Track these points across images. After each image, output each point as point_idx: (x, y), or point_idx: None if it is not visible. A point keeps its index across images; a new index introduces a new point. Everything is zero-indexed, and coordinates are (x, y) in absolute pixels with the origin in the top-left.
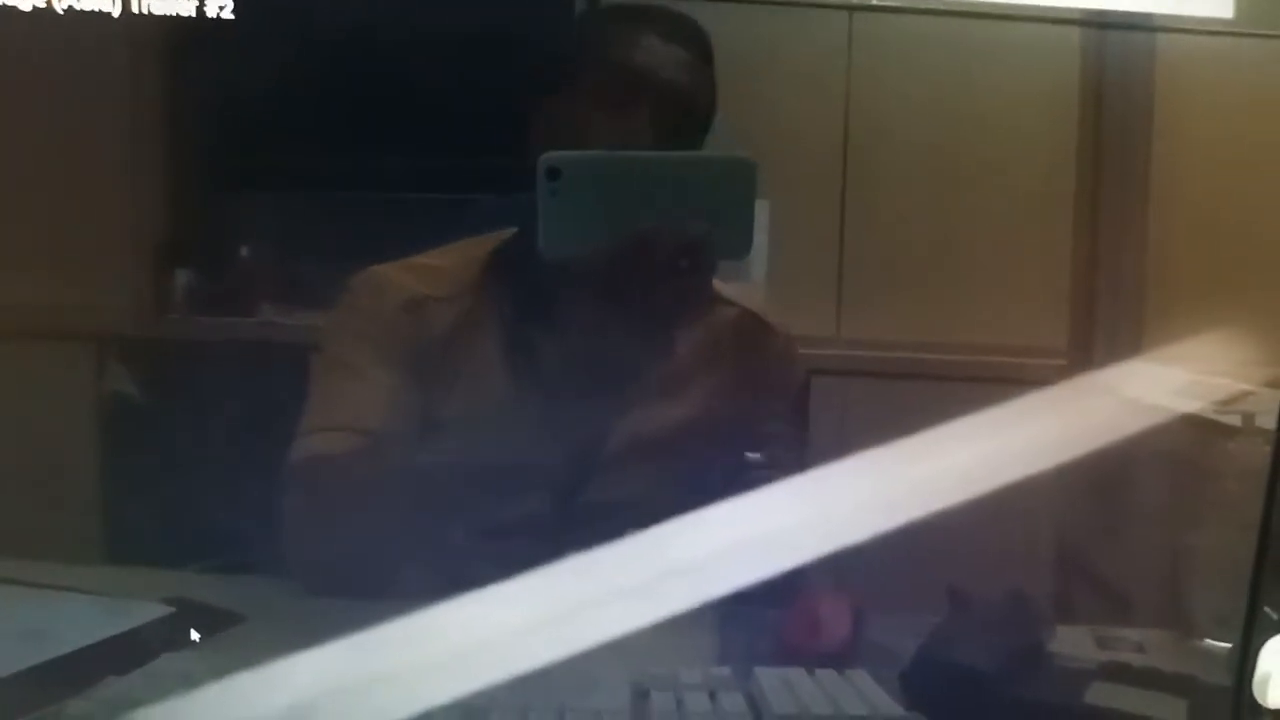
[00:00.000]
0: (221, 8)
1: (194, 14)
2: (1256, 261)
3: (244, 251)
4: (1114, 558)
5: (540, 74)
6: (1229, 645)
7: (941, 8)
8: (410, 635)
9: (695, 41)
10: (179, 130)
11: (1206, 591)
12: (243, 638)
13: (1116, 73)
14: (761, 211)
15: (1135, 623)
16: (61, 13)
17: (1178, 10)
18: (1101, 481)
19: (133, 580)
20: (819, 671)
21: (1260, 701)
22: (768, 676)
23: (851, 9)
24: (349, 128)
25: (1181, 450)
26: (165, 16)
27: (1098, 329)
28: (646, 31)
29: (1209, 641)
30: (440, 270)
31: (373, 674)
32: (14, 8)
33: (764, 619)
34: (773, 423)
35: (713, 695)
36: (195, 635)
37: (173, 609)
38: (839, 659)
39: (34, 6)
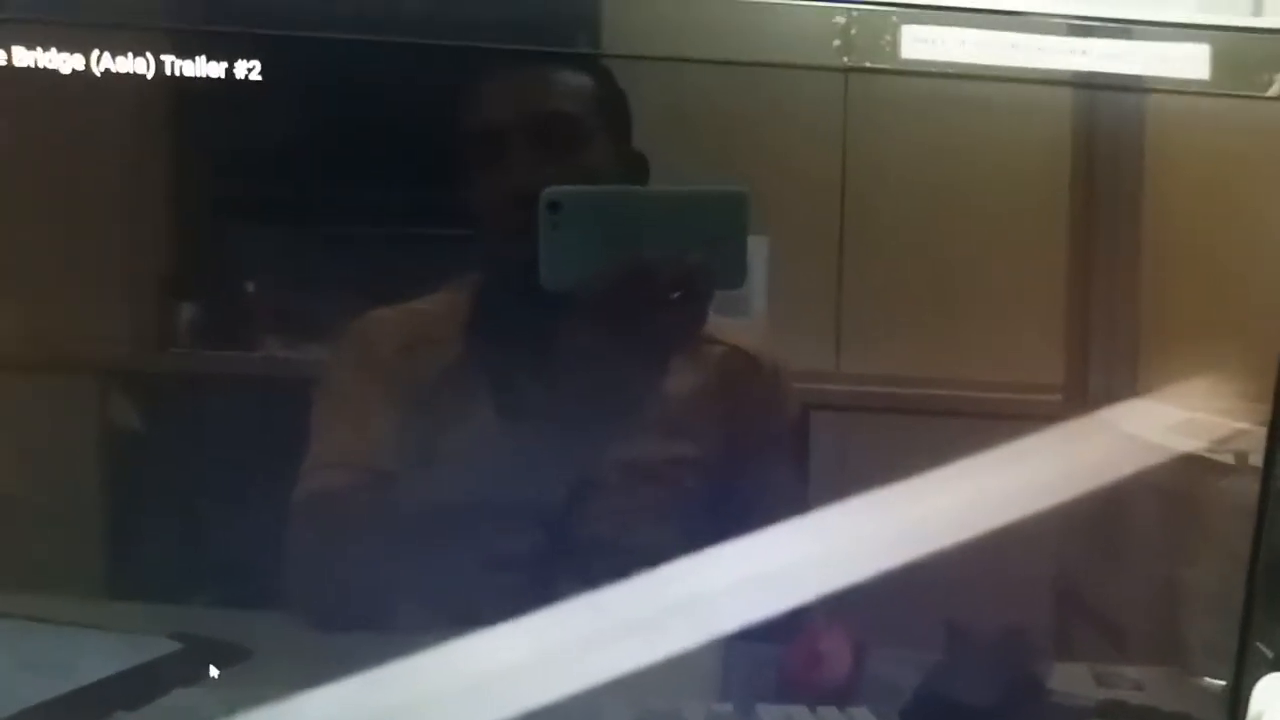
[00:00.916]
0: (250, 69)
1: (223, 76)
2: (1245, 301)
3: (249, 285)
4: (1113, 595)
5: (455, 128)
6: (1225, 683)
7: (937, 70)
8: (413, 672)
9: (563, 59)
10: (183, 163)
11: (1203, 628)
12: (249, 673)
13: (1107, 120)
14: (761, 247)
15: (1136, 660)
16: (99, 76)
17: (1159, 73)
18: (1100, 518)
19: (137, 615)
20: (821, 709)
21: None
22: (770, 713)
23: (847, 71)
24: (352, 164)
25: (1178, 487)
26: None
27: (1093, 366)
28: (510, 68)
29: (1207, 679)
30: (432, 314)
31: (375, 712)
32: (55, 70)
33: (766, 654)
34: (768, 457)
35: None
36: (215, 672)
37: (180, 644)
38: (841, 695)
39: (73, 70)
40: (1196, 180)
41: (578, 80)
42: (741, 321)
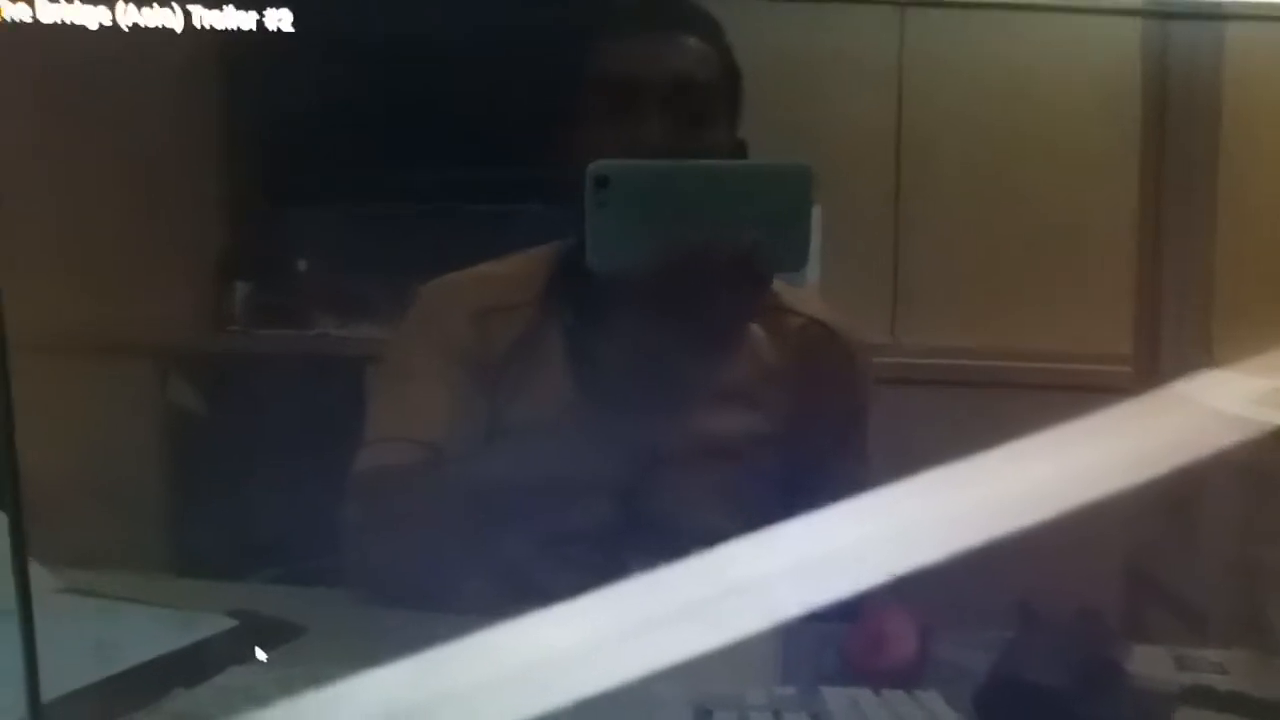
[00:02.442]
0: (280, 20)
1: (254, 27)
2: None
3: (301, 265)
4: (1193, 575)
5: (561, 86)
6: None
7: (1001, 2)
8: (473, 654)
9: (697, 25)
10: (237, 147)
11: None
12: (304, 649)
13: (1181, 67)
14: (814, 217)
15: (1215, 642)
16: (126, 30)
17: None
18: (1177, 494)
19: (196, 592)
20: (887, 691)
21: None
22: (834, 696)
23: (903, 4)
24: (402, 142)
25: (1256, 460)
26: (224, 32)
27: (1164, 334)
28: (645, 28)
29: None
30: (506, 279)
31: (435, 693)
32: (81, 26)
33: (829, 636)
34: (841, 432)
35: (777, 715)
36: (262, 655)
37: (236, 621)
38: (906, 678)
39: (100, 25)
40: (1277, 123)
41: (706, 50)
42: (814, 293)
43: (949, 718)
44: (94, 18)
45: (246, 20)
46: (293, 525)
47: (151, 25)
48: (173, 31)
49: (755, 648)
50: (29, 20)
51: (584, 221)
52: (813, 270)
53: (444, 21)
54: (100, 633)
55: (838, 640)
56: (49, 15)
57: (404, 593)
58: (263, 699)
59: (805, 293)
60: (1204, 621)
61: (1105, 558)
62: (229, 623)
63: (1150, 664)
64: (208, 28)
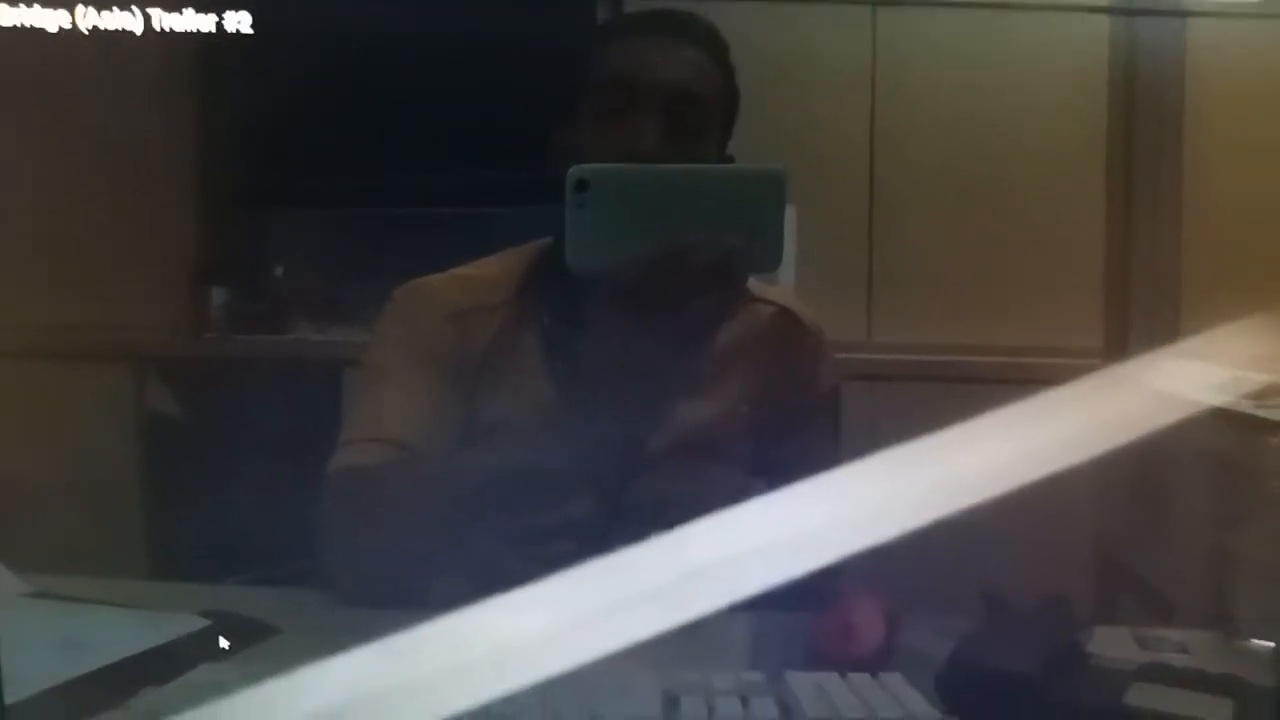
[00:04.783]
0: (240, 23)
1: (214, 29)
2: None
3: (278, 270)
4: (1154, 558)
5: (554, 89)
6: (1274, 644)
7: (969, 0)
8: (439, 640)
9: (702, 39)
10: (212, 152)
11: (1251, 591)
12: (278, 649)
13: (1146, 63)
14: (789, 217)
15: (1178, 624)
16: (86, 33)
17: None
18: (1139, 480)
19: (170, 594)
20: (852, 675)
21: None
22: (800, 681)
23: (875, 4)
24: (378, 147)
25: (1221, 447)
26: (200, 35)
27: (1133, 327)
28: (650, 36)
29: (1255, 641)
30: (484, 279)
31: (402, 680)
32: (42, 29)
33: (797, 623)
34: (806, 418)
35: (744, 700)
36: (225, 643)
37: (209, 621)
38: (873, 663)
39: (60, 28)
40: (1241, 123)
41: (707, 64)
42: (782, 285)
43: (911, 699)
44: (53, 21)
45: (205, 23)
46: (269, 528)
47: (111, 28)
48: (148, 34)
49: (723, 634)
50: None
51: (562, 223)
52: (789, 271)
53: (429, 22)
54: (69, 633)
55: (806, 628)
56: (7, 19)
57: (378, 592)
58: (229, 691)
59: (775, 284)
60: (1170, 608)
61: (1072, 544)
62: (202, 623)
63: (1112, 644)
64: (168, 30)
